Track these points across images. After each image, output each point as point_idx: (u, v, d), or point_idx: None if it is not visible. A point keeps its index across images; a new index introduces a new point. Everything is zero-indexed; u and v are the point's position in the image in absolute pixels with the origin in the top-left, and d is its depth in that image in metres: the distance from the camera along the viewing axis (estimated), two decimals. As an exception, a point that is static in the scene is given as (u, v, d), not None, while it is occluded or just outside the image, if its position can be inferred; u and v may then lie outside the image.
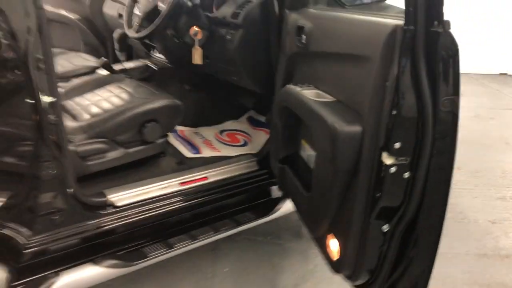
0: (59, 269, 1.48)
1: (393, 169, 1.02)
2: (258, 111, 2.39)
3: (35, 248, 1.41)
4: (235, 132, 2.29)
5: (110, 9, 2.68)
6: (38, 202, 1.39)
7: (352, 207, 1.14)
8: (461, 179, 3.00)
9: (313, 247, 2.26)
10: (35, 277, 1.42)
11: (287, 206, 2.00)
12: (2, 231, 1.33)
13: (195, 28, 1.88)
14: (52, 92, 1.30)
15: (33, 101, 1.26)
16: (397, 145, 1.01)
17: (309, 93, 1.31)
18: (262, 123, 2.31)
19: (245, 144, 2.19)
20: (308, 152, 1.47)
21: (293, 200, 1.60)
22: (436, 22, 0.92)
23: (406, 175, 1.03)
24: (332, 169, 1.14)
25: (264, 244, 2.29)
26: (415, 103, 0.98)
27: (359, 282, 1.23)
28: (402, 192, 1.05)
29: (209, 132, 2.28)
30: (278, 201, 1.99)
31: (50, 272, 1.46)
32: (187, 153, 2.04)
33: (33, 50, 1.24)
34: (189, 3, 1.88)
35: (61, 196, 1.43)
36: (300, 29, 1.47)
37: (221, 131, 2.29)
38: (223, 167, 1.92)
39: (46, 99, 1.29)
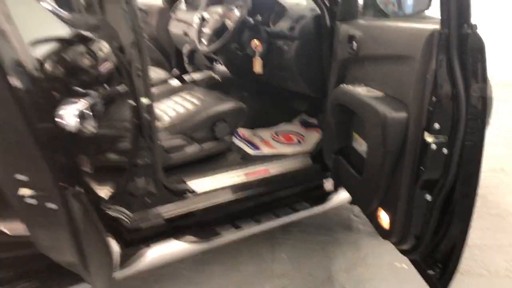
0: (150, 243, 1.78)
1: (433, 146, 1.25)
2: (309, 114, 2.65)
3: (134, 226, 1.71)
4: (289, 132, 2.55)
5: (176, 28, 3.03)
6: (136, 188, 1.69)
7: (399, 182, 1.37)
8: (505, 180, 3.13)
9: (364, 238, 2.49)
10: (133, 248, 1.72)
11: (338, 198, 2.23)
12: (113, 214, 1.63)
13: (255, 41, 2.17)
14: (148, 96, 1.60)
15: (135, 104, 1.57)
16: (436, 125, 1.24)
17: (361, 90, 1.56)
18: (313, 124, 2.56)
19: (299, 143, 2.44)
20: (360, 142, 1.72)
21: (346, 186, 1.84)
22: (465, 25, 1.16)
23: (445, 151, 1.26)
24: (383, 151, 1.38)
25: (317, 236, 2.52)
26: (451, 91, 1.21)
27: (406, 247, 1.45)
28: (441, 166, 1.28)
29: (266, 133, 2.56)
30: (329, 193, 2.23)
31: (143, 245, 1.76)
32: (249, 150, 2.32)
33: (135, 61, 1.55)
34: (251, 20, 2.19)
35: (152, 183, 1.72)
36: (351, 38, 1.73)
37: (277, 132, 2.56)
38: (281, 162, 2.19)
39: (144, 101, 1.59)
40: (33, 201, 1.06)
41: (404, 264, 2.27)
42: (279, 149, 2.36)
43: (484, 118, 1.20)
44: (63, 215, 1.10)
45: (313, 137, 2.44)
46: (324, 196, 2.21)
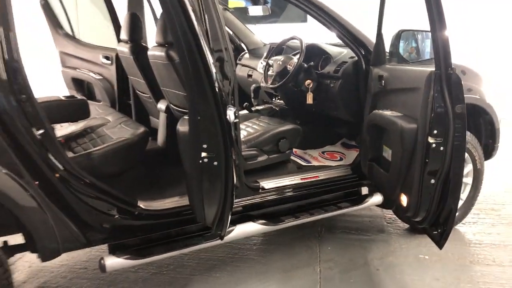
0: (236, 223, 2.45)
1: (434, 145, 1.92)
2: (349, 138, 3.33)
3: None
4: (333, 152, 3.23)
5: (241, 72, 3.82)
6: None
7: (413, 172, 2.03)
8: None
9: (394, 238, 3.08)
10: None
11: (371, 201, 2.86)
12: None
13: (308, 80, 2.92)
14: (236, 115, 2.31)
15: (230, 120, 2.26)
16: (435, 131, 1.91)
17: (387, 112, 2.26)
18: (353, 145, 3.23)
19: (341, 159, 3.12)
20: (387, 152, 2.39)
21: (377, 182, 2.50)
22: (449, 69, 1.85)
23: (441, 148, 1.92)
24: (401, 151, 2.06)
25: (356, 235, 3.13)
26: (443, 109, 1.89)
27: (419, 218, 2.09)
28: (440, 158, 1.94)
29: (314, 152, 3.24)
30: (365, 197, 2.87)
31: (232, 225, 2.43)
32: (302, 162, 3.02)
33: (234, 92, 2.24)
34: (305, 65, 2.94)
35: (238, 179, 2.41)
36: (380, 77, 2.44)
37: (323, 152, 3.25)
38: (327, 171, 2.86)
39: (233, 119, 2.26)
40: (206, 160, 1.85)
41: (426, 256, 2.85)
42: (325, 162, 3.04)
43: (465, 126, 1.87)
44: (221, 170, 1.92)
45: (352, 155, 3.11)
46: (360, 199, 2.86)
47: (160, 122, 3.00)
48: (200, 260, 2.84)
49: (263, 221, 2.53)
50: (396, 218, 3.24)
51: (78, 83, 3.91)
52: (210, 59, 1.87)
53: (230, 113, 1.90)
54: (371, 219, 3.38)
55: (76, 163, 2.09)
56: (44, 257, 2.04)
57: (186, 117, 2.02)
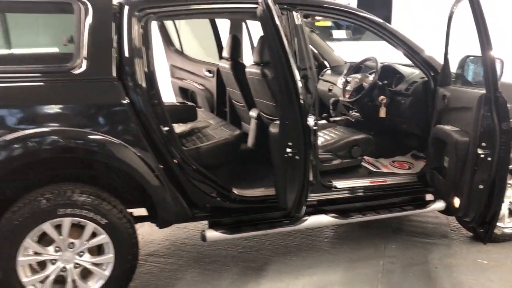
0: (310, 214, 2.91)
1: (482, 156, 2.27)
2: (419, 150, 3.66)
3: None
4: (403, 161, 3.59)
5: (323, 86, 4.29)
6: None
7: (465, 178, 2.38)
8: None
9: (455, 243, 3.37)
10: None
11: (434, 206, 3.17)
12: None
13: (382, 96, 3.33)
14: (315, 122, 2.78)
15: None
16: (484, 144, 2.26)
17: (448, 127, 2.64)
18: (422, 157, 3.57)
19: (409, 168, 3.47)
20: (447, 161, 2.75)
21: (436, 187, 2.85)
22: (497, 92, 2.20)
23: (489, 158, 2.26)
24: (455, 160, 2.42)
25: (420, 238, 3.46)
26: (491, 125, 2.24)
27: (469, 218, 2.43)
28: (487, 167, 2.28)
29: (385, 161, 3.62)
30: (429, 202, 3.20)
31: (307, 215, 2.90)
32: (373, 168, 3.41)
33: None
34: (380, 83, 3.36)
35: (314, 178, 2.88)
36: (444, 96, 2.81)
37: (393, 161, 3.61)
38: (395, 177, 3.24)
39: (312, 125, 2.72)
40: (290, 155, 2.37)
41: (484, 261, 3.11)
42: (394, 170, 3.42)
43: (509, 140, 2.20)
44: (301, 162, 2.42)
45: (420, 165, 3.44)
46: (424, 204, 3.19)
47: (251, 127, 3.56)
48: (279, 246, 3.34)
49: (334, 214, 2.97)
50: (461, 226, 3.51)
51: (184, 92, 4.62)
52: (297, 76, 2.39)
53: (310, 120, 2.41)
54: (436, 226, 3.67)
55: (189, 155, 2.69)
56: (161, 226, 2.66)
57: (276, 121, 2.55)
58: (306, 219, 2.85)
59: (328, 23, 6.35)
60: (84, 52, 2.37)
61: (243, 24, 4.18)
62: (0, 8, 2.72)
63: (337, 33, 4.64)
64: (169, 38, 4.59)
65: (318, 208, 2.98)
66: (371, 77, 3.44)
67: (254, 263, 3.11)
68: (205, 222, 3.00)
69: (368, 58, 3.61)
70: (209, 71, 4.28)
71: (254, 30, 4.34)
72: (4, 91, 2.29)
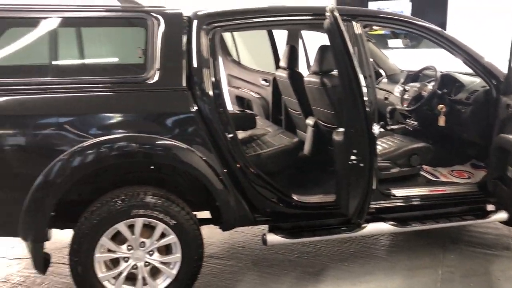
0: (369, 222, 2.94)
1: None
2: (478, 159, 3.60)
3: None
4: (462, 171, 3.54)
5: (378, 95, 4.27)
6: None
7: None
8: None
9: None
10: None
11: (496, 217, 3.12)
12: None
13: (441, 105, 3.31)
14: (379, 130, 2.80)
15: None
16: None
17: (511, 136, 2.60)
18: (482, 166, 3.51)
19: (469, 178, 3.42)
20: (510, 171, 2.71)
21: (499, 198, 2.81)
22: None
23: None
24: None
25: (480, 249, 3.39)
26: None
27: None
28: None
29: (443, 170, 3.58)
30: (490, 212, 3.15)
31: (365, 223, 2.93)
32: (431, 177, 3.39)
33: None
34: (439, 92, 3.35)
35: (377, 187, 2.89)
36: (508, 105, 2.77)
37: (452, 170, 3.57)
38: (454, 186, 3.21)
39: (377, 133, 2.75)
40: (355, 162, 2.43)
41: (550, 274, 3.03)
42: (453, 179, 3.38)
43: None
44: (366, 169, 2.47)
45: (480, 174, 3.39)
46: (485, 214, 3.14)
47: (308, 135, 3.63)
48: (335, 252, 3.38)
49: (393, 222, 2.98)
50: (525, 239, 3.42)
51: (240, 100, 4.76)
52: (363, 85, 2.45)
53: (375, 128, 2.46)
54: (497, 237, 3.59)
55: (250, 161, 2.79)
56: (225, 228, 2.78)
57: (340, 129, 2.61)
58: (365, 227, 2.88)
59: (382, 31, 6.35)
60: (157, 63, 2.54)
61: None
62: (77, 23, 2.94)
63: (393, 42, 4.64)
64: (226, 49, 4.75)
65: (376, 215, 3.00)
66: (430, 86, 3.43)
67: (312, 268, 3.17)
68: (262, 227, 3.09)
69: (427, 67, 3.61)
70: (265, 80, 4.40)
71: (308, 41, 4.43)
72: (85, 100, 2.48)
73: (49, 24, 2.57)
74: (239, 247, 3.51)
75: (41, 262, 2.46)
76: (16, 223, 2.38)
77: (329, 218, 2.94)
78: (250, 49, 4.90)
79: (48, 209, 2.38)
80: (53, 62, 2.60)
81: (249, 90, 4.62)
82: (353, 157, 2.46)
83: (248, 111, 3.76)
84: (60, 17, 2.59)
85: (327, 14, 2.50)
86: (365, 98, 2.44)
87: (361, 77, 2.45)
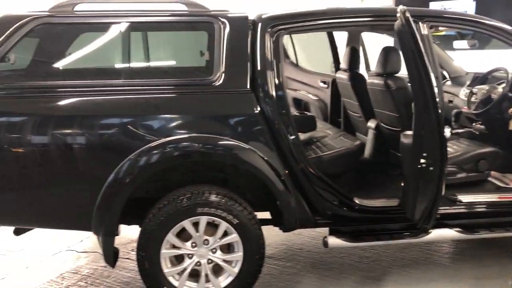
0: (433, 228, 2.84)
1: None
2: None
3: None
4: (533, 178, 3.37)
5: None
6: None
7: None
8: None
9: None
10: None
11: None
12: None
13: (512, 109, 3.17)
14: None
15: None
16: None
17: None
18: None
19: (542, 185, 3.24)
20: None
21: None
22: None
23: None
24: None
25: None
26: None
27: None
28: None
29: (513, 176, 3.42)
30: None
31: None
32: (500, 184, 3.24)
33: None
34: (510, 94, 3.20)
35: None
36: None
37: (522, 176, 3.40)
38: (525, 194, 3.05)
39: (448, 135, 2.65)
40: (424, 166, 2.38)
41: None
42: (524, 187, 3.22)
43: None
44: (435, 173, 2.41)
45: (555, 182, 3.21)
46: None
47: (369, 138, 3.58)
48: (395, 258, 3.31)
49: (459, 229, 2.87)
50: None
51: (297, 102, 4.77)
52: (435, 86, 2.39)
53: (447, 131, 2.39)
54: None
55: (311, 163, 2.79)
56: (286, 229, 2.79)
57: (408, 132, 2.56)
58: (430, 232, 2.80)
59: (443, 32, 6.14)
60: (223, 66, 2.60)
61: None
62: (147, 27, 3.07)
63: (458, 43, 4.48)
64: (284, 51, 4.77)
65: (441, 221, 2.91)
66: (500, 88, 3.28)
67: (372, 273, 3.12)
68: (319, 230, 3.06)
69: (498, 68, 3.46)
70: (324, 82, 4.38)
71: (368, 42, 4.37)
72: (153, 101, 2.58)
73: (119, 28, 2.69)
74: (297, 249, 3.52)
75: (111, 255, 2.58)
76: (89, 218, 2.51)
77: (391, 223, 2.89)
78: (309, 51, 4.90)
79: (118, 205, 2.49)
80: (123, 65, 2.72)
81: (306, 92, 4.62)
82: (422, 161, 2.40)
83: (308, 114, 3.75)
84: (130, 22, 2.70)
85: (398, 15, 2.46)
86: (437, 100, 2.38)
87: (433, 79, 2.39)
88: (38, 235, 3.82)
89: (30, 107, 2.49)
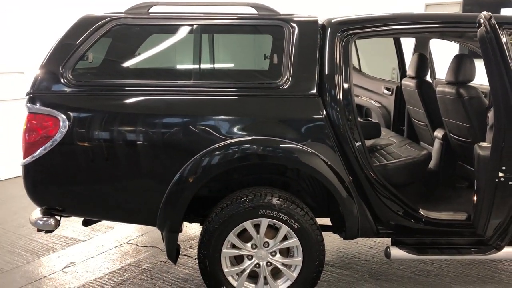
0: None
1: None
2: None
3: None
4: None
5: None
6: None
7: None
8: None
9: None
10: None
11: None
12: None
13: None
14: None
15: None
16: None
17: None
18: None
19: None
20: None
21: None
22: None
23: None
24: None
25: None
26: None
27: None
28: None
29: None
30: None
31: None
32: None
33: None
34: None
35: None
36: None
37: None
38: None
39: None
40: (502, 180, 2.28)
41: None
42: None
43: None
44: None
45: None
46: None
47: (435, 148, 3.46)
48: (459, 274, 3.17)
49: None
50: None
51: (358, 108, 4.67)
52: None
53: None
54: None
55: (376, 171, 2.73)
56: (347, 237, 2.74)
57: (484, 144, 2.45)
58: (500, 250, 2.66)
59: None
60: (291, 69, 2.60)
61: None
62: (218, 30, 3.11)
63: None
64: (347, 56, 4.71)
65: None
66: None
67: (433, 287, 3.00)
68: (377, 240, 2.96)
69: None
70: (388, 89, 4.28)
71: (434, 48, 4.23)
72: (221, 103, 2.62)
73: (189, 30, 2.74)
74: (355, 257, 3.45)
75: (174, 251, 2.64)
76: (155, 214, 2.58)
77: (457, 237, 2.77)
78: (374, 57, 4.81)
79: (183, 203, 2.55)
80: (193, 66, 2.78)
81: (368, 98, 4.54)
82: (501, 174, 2.29)
83: (373, 120, 3.68)
84: (201, 24, 2.75)
85: (482, 21, 2.36)
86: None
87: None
88: (101, 227, 4.00)
89: (106, 104, 2.59)
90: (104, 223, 3.97)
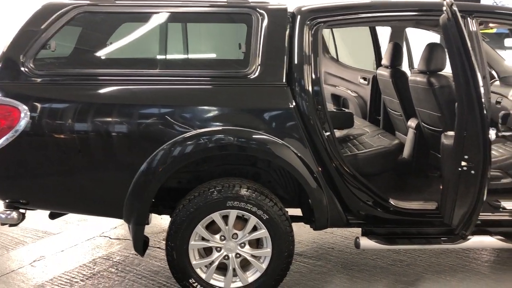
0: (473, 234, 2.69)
1: None
2: None
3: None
4: None
5: (491, 98, 3.96)
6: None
7: None
8: None
9: None
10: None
11: None
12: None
13: None
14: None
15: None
16: None
17: None
18: None
19: None
20: None
21: None
22: None
23: None
24: None
25: None
26: None
27: None
28: None
29: None
30: None
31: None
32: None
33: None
34: None
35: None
36: None
37: None
38: None
39: (493, 138, 2.50)
40: (465, 169, 2.26)
41: None
42: None
43: None
44: (477, 177, 2.28)
45: None
46: None
47: (408, 137, 3.45)
48: (431, 263, 3.18)
49: (501, 237, 2.72)
50: None
51: (335, 98, 4.66)
52: (481, 86, 2.25)
53: (492, 133, 2.26)
54: None
55: (346, 161, 2.71)
56: (317, 228, 2.72)
57: (449, 133, 2.44)
58: (469, 239, 2.66)
59: (494, 29, 5.85)
60: (259, 59, 2.55)
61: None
62: (185, 18, 3.05)
63: (510, 41, 4.24)
64: (325, 46, 4.68)
65: (482, 228, 2.76)
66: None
67: (405, 277, 3.01)
68: (352, 230, 2.95)
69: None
70: (364, 79, 4.26)
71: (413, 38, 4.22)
72: (187, 92, 2.57)
73: (158, 19, 2.69)
74: (328, 248, 3.45)
75: (141, 244, 2.60)
76: (121, 206, 2.53)
77: (428, 227, 2.77)
78: (350, 47, 4.78)
79: (150, 194, 2.50)
80: (160, 56, 2.72)
81: (345, 88, 4.51)
82: (464, 163, 2.28)
83: (346, 110, 3.65)
84: (169, 12, 2.70)
85: (444, 8, 2.33)
86: (483, 100, 2.25)
87: (479, 78, 2.25)
88: (74, 219, 3.94)
89: (70, 94, 2.52)
90: (78, 215, 3.90)
